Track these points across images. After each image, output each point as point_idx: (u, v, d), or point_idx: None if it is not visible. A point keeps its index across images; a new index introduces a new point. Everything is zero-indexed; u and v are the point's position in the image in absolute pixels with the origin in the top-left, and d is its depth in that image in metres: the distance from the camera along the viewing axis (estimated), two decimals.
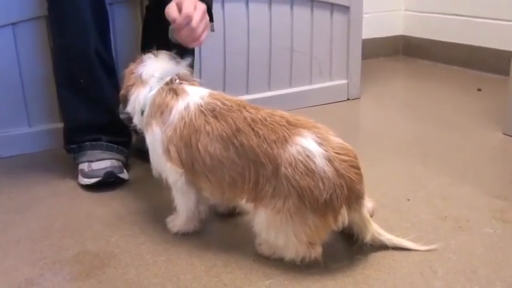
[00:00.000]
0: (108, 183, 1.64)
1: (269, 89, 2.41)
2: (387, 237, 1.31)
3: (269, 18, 2.30)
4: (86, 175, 1.67)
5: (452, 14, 3.19)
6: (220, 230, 1.44)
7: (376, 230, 1.30)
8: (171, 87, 1.36)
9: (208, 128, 1.26)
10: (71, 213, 1.53)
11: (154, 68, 1.42)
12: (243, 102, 1.31)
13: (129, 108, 1.45)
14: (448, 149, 1.98)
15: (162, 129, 1.32)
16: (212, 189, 1.31)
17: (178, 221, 1.40)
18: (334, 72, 2.56)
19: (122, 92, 1.47)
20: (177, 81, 1.38)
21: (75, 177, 1.72)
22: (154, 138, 1.34)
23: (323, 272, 1.23)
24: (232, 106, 1.29)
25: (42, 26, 1.87)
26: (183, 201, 1.37)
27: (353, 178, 1.20)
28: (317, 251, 1.24)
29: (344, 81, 2.59)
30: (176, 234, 1.40)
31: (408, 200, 1.58)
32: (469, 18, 3.09)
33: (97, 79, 1.70)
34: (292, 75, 2.45)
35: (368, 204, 1.31)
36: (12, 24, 1.83)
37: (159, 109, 1.34)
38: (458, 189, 1.64)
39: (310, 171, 1.16)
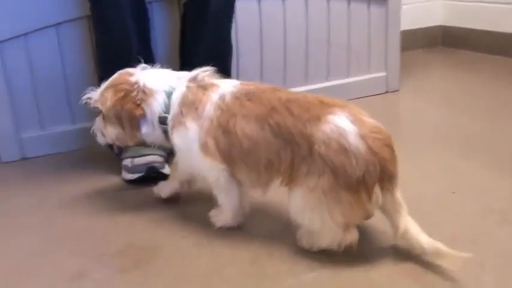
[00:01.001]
0: (150, 178, 1.67)
1: (306, 83, 2.41)
2: (424, 237, 1.21)
3: (305, 12, 2.29)
4: (129, 170, 1.71)
5: (492, 2, 3.11)
6: (263, 222, 1.45)
7: (412, 227, 1.22)
8: (199, 84, 1.37)
9: (243, 110, 1.28)
10: (115, 208, 1.56)
11: (155, 76, 1.42)
12: (276, 87, 1.34)
13: (145, 128, 1.41)
14: (490, 141, 1.94)
15: (199, 123, 1.33)
16: (249, 174, 1.32)
17: (223, 216, 1.41)
18: (372, 64, 2.53)
19: (139, 112, 1.38)
20: (204, 76, 1.39)
21: (119, 173, 1.76)
22: (188, 135, 1.34)
23: (367, 264, 1.23)
24: (266, 89, 1.32)
25: (84, 26, 1.92)
26: (227, 199, 1.39)
27: (386, 157, 1.20)
28: (353, 236, 1.23)
29: (382, 74, 2.56)
30: (219, 228, 1.42)
31: (453, 193, 1.55)
32: (510, 6, 3.01)
33: None
34: (330, 69, 2.44)
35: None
36: (56, 25, 1.88)
37: (193, 105, 1.34)
38: (503, 181, 1.61)
39: (343, 149, 1.17)
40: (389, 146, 1.22)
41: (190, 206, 1.55)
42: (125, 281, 1.22)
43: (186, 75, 1.41)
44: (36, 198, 1.64)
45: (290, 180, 1.25)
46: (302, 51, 2.35)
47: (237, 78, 2.16)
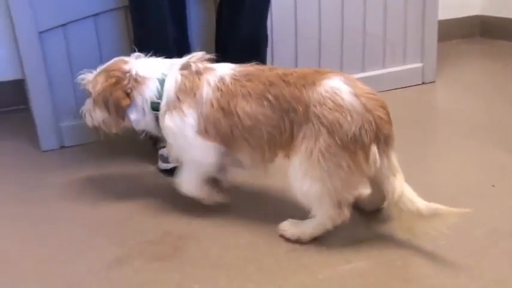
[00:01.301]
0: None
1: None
2: (424, 203, 1.20)
3: (341, 1, 2.26)
4: (165, 160, 1.72)
5: None
6: (301, 215, 1.44)
7: (407, 191, 1.22)
8: (194, 70, 1.38)
9: (243, 90, 1.31)
10: (151, 197, 1.58)
11: (148, 64, 1.44)
12: (275, 66, 1.36)
13: (134, 115, 1.43)
14: None
15: (198, 110, 1.34)
16: (252, 152, 1.34)
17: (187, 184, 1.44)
18: (408, 55, 2.49)
19: (126, 103, 1.40)
20: (197, 61, 1.40)
21: (155, 162, 1.78)
22: (184, 120, 1.36)
23: (403, 258, 1.22)
24: (264, 69, 1.35)
25: (121, 17, 1.94)
26: (197, 177, 1.42)
27: (381, 116, 1.21)
28: (345, 214, 1.25)
29: (419, 65, 2.51)
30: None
31: (493, 186, 1.52)
32: None
33: None
34: (365, 59, 2.41)
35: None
36: (94, 15, 1.90)
37: (191, 92, 1.36)
38: None
39: (337, 105, 1.19)
40: (384, 108, 1.24)
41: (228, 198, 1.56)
42: (163, 268, 1.24)
43: (178, 62, 1.43)
44: (74, 187, 1.67)
45: (289, 151, 1.27)
46: (337, 41, 2.32)
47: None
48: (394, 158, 1.24)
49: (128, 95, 1.41)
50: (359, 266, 1.20)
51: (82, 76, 1.48)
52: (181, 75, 1.38)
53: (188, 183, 1.44)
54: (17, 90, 2.31)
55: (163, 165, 1.73)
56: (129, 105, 1.41)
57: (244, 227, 1.39)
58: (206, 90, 1.34)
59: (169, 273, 1.22)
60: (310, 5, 2.22)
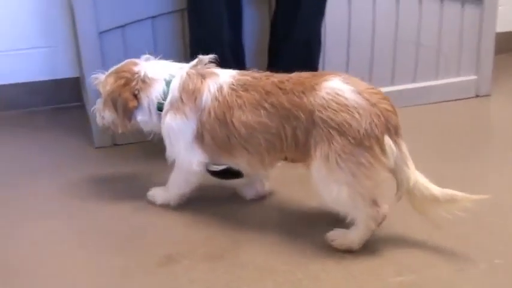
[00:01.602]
0: (233, 171, 1.69)
1: (392, 83, 2.35)
2: (438, 189, 1.24)
3: (396, 10, 2.24)
4: None
5: None
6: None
7: (421, 178, 1.25)
8: (199, 72, 1.40)
9: (239, 101, 1.32)
10: (201, 197, 1.59)
11: (157, 66, 1.47)
12: (271, 73, 1.36)
13: (141, 116, 1.46)
14: None
15: (197, 115, 1.37)
16: (250, 159, 1.36)
17: (164, 195, 1.51)
18: (462, 67, 2.43)
19: (133, 104, 1.44)
20: (203, 63, 1.43)
21: None
22: (184, 124, 1.38)
23: (455, 271, 1.19)
24: (261, 77, 1.35)
25: (178, 19, 1.97)
26: (181, 185, 1.47)
27: (387, 107, 1.22)
28: (383, 209, 1.25)
29: (473, 77, 2.45)
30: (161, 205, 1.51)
31: None
32: None
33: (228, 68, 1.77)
34: (417, 69, 2.37)
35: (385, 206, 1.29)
36: (152, 17, 1.95)
37: (193, 95, 1.38)
38: None
39: (343, 106, 1.20)
40: (387, 99, 1.25)
41: (274, 202, 1.57)
42: (211, 269, 1.26)
43: (186, 65, 1.45)
44: (125, 183, 1.71)
45: (302, 157, 1.28)
46: (390, 49, 2.29)
47: None
48: (404, 147, 1.26)
49: (135, 96, 1.44)
50: (410, 280, 1.18)
51: (94, 76, 1.52)
52: (186, 75, 1.41)
53: (173, 185, 1.49)
54: (75, 87, 2.38)
55: (212, 167, 1.75)
56: (136, 107, 1.45)
57: (293, 233, 1.39)
58: (206, 97, 1.36)
59: (217, 274, 1.24)
60: (364, 12, 2.20)
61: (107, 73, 1.50)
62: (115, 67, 1.51)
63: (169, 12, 1.96)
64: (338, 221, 1.33)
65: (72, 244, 1.39)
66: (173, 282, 1.22)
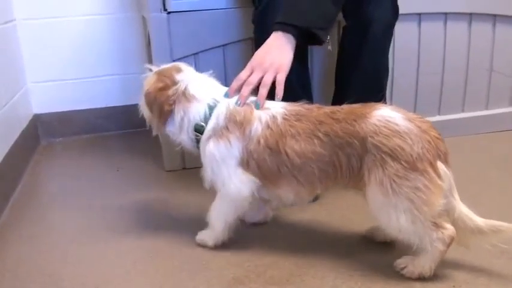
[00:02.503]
0: None
1: (463, 110, 2.31)
2: (481, 220, 1.26)
3: (468, 36, 2.20)
4: None
5: None
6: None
7: (464, 209, 1.27)
8: (248, 103, 1.40)
9: (293, 130, 1.32)
10: (268, 222, 1.62)
11: (202, 85, 1.45)
12: (321, 106, 1.37)
13: (171, 127, 1.45)
14: None
15: (243, 144, 1.36)
16: (300, 188, 1.35)
17: (213, 235, 1.47)
18: None
19: (168, 109, 1.43)
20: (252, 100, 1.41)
21: None
22: (228, 150, 1.37)
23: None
24: (313, 109, 1.36)
25: (248, 47, 2.03)
26: (229, 214, 1.42)
27: (436, 135, 1.24)
28: (449, 230, 1.23)
29: None
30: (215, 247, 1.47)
31: None
32: None
33: (294, 97, 1.79)
34: (490, 97, 2.31)
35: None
36: (223, 45, 2.01)
37: (242, 125, 1.37)
38: None
39: (394, 132, 1.22)
40: (435, 129, 1.26)
41: (342, 225, 1.56)
42: None
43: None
44: (193, 206, 1.76)
45: (354, 184, 1.29)
46: (461, 76, 2.25)
47: (390, 100, 2.15)
48: (451, 176, 1.25)
49: (170, 105, 1.43)
50: None
51: (148, 67, 1.52)
52: (235, 105, 1.40)
53: (217, 218, 1.45)
54: None
55: None
56: (170, 113, 1.43)
57: (361, 259, 1.38)
58: (256, 127, 1.36)
59: None
60: (435, 40, 2.18)
61: (154, 71, 1.50)
62: (161, 67, 1.51)
63: (239, 41, 2.02)
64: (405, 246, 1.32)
65: (141, 267, 1.44)
66: None
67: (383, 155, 1.22)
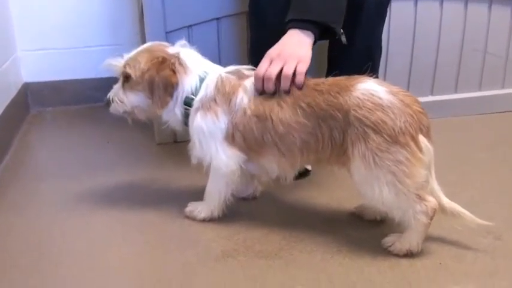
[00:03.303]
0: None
1: (456, 91, 2.30)
2: (447, 200, 1.31)
3: (463, 16, 2.19)
4: None
5: None
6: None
7: (435, 185, 1.30)
8: (237, 74, 1.41)
9: (278, 98, 1.33)
10: (259, 197, 1.62)
11: (193, 57, 1.44)
12: (308, 78, 1.36)
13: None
14: None
15: (229, 117, 1.36)
16: (281, 159, 1.36)
17: (205, 207, 1.47)
18: None
19: (175, 80, 1.39)
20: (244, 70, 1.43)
21: None
22: (216, 124, 1.37)
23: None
24: None
25: (242, 21, 2.01)
26: (222, 189, 1.42)
27: (419, 109, 1.25)
28: (431, 202, 1.24)
29: None
30: (204, 220, 1.47)
31: None
32: None
33: None
34: (483, 78, 2.31)
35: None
36: (217, 19, 1.99)
37: (228, 97, 1.37)
38: None
39: (377, 105, 1.23)
40: (419, 103, 1.27)
41: (332, 203, 1.57)
42: (266, 266, 1.27)
43: (223, 69, 1.44)
44: (183, 179, 1.75)
45: (337, 158, 1.30)
46: (455, 57, 2.24)
47: (384, 79, 2.14)
48: (432, 150, 1.27)
49: (174, 73, 1.39)
50: None
51: (110, 61, 1.46)
52: (224, 76, 1.40)
53: (212, 193, 1.45)
54: None
55: None
56: (177, 84, 1.40)
57: (350, 235, 1.39)
58: (242, 97, 1.36)
59: (272, 271, 1.25)
60: (430, 20, 2.17)
61: (130, 55, 1.44)
62: (143, 47, 1.45)
63: (233, 14, 2.00)
64: (393, 223, 1.33)
65: (130, 239, 1.44)
66: (229, 278, 1.24)
67: (365, 129, 1.23)
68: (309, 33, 1.41)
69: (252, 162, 1.41)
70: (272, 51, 1.41)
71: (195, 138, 1.41)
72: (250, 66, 1.46)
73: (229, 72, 1.43)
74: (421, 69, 2.22)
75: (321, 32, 1.45)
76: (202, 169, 1.44)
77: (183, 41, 1.49)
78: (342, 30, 1.50)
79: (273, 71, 1.35)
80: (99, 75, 2.52)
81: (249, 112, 1.35)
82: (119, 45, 2.49)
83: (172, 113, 1.45)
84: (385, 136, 1.21)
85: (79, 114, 2.45)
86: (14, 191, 1.70)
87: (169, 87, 1.40)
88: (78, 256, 1.34)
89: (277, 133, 1.33)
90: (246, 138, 1.37)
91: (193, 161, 1.45)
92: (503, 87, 2.34)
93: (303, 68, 1.35)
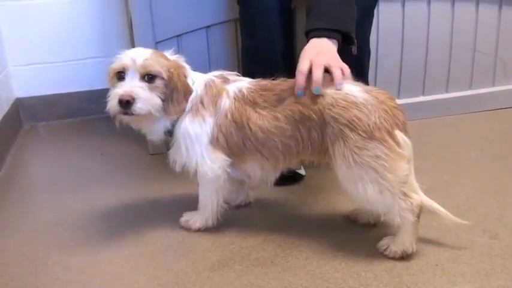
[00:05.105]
0: (287, 177, 1.70)
1: (447, 90, 2.32)
2: (425, 197, 1.31)
3: (451, 16, 2.20)
4: None
5: None
6: None
7: (413, 182, 1.30)
8: (223, 78, 1.42)
9: (256, 104, 1.34)
10: (254, 204, 1.62)
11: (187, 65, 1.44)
12: (286, 79, 1.37)
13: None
14: None
15: (214, 119, 1.37)
16: (264, 162, 1.37)
17: (200, 216, 1.47)
18: None
19: (191, 88, 1.40)
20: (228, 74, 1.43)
21: None
22: (202, 128, 1.37)
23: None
24: (280, 82, 1.37)
25: (232, 29, 2.02)
26: (213, 197, 1.43)
27: (394, 105, 1.26)
28: (416, 198, 1.25)
29: None
30: (199, 230, 1.47)
31: None
32: None
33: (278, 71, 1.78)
34: (473, 76, 2.32)
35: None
36: (206, 27, 1.99)
37: (214, 99, 1.38)
38: None
39: (351, 103, 1.24)
40: (394, 99, 1.29)
41: (326, 209, 1.57)
42: (262, 274, 1.27)
43: (209, 74, 1.45)
44: (177, 189, 1.75)
45: (319, 158, 1.32)
46: (445, 56, 2.26)
47: (375, 81, 2.15)
48: (411, 145, 1.28)
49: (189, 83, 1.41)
50: None
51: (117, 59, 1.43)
52: (211, 79, 1.41)
53: (204, 201, 1.45)
54: None
55: None
56: (192, 91, 1.40)
57: (345, 240, 1.39)
58: (224, 100, 1.37)
59: (268, 279, 1.25)
60: (418, 20, 2.18)
61: (142, 54, 1.37)
62: (149, 51, 1.40)
63: (223, 22, 2.00)
64: (388, 227, 1.33)
65: (126, 250, 1.43)
66: (226, 286, 1.24)
67: (341, 127, 1.24)
68: (335, 41, 1.43)
69: (235, 166, 1.42)
70: (308, 53, 1.37)
71: (181, 143, 1.40)
72: (234, 72, 1.47)
73: (215, 76, 1.44)
74: (411, 70, 2.23)
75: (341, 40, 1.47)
76: (194, 178, 1.44)
77: (172, 50, 1.48)
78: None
79: (320, 62, 1.32)
80: (91, 88, 2.52)
81: (229, 116, 1.36)
82: (109, 57, 2.47)
83: (163, 120, 1.41)
84: (360, 133, 1.22)
85: (72, 128, 2.45)
86: (8, 205, 1.69)
87: (188, 94, 1.40)
88: (74, 270, 1.34)
89: (258, 139, 1.34)
90: (229, 141, 1.38)
91: (178, 168, 1.44)
92: (493, 85, 2.35)
93: (348, 71, 1.35)
